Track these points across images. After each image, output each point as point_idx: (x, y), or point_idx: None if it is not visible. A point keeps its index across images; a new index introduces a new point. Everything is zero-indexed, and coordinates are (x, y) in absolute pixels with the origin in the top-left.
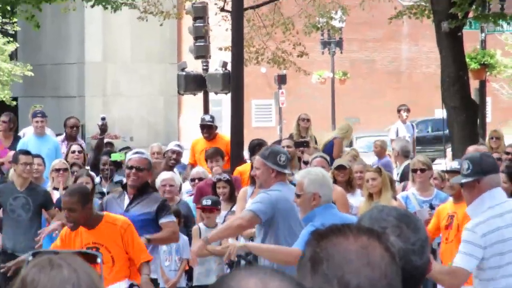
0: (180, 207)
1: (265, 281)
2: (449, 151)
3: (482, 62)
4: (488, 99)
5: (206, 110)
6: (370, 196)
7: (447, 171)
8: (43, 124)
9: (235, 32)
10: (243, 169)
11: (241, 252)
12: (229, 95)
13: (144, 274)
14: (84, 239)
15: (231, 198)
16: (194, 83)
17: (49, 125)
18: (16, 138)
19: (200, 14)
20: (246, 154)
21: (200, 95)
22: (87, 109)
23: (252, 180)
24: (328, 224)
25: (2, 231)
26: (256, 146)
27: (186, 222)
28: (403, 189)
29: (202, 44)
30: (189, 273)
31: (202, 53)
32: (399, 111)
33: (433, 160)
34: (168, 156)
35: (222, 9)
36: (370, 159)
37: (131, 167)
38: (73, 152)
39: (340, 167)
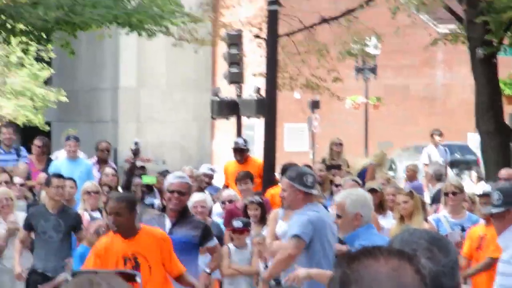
0: (212, 228)
1: None
2: (473, 174)
3: None
4: None
5: (239, 134)
6: (402, 218)
7: (479, 195)
8: (75, 148)
9: (269, 58)
10: (275, 191)
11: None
12: (262, 119)
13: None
14: (122, 249)
15: (262, 220)
16: (228, 108)
17: (82, 149)
18: (49, 162)
19: (235, 41)
20: (278, 176)
21: (233, 119)
22: (120, 134)
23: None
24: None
25: (33, 252)
26: (288, 169)
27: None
28: (435, 211)
29: (236, 70)
30: None
31: (236, 79)
32: (432, 135)
33: None
34: (200, 179)
35: (257, 36)
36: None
37: (172, 191)
38: (107, 175)
39: (372, 190)
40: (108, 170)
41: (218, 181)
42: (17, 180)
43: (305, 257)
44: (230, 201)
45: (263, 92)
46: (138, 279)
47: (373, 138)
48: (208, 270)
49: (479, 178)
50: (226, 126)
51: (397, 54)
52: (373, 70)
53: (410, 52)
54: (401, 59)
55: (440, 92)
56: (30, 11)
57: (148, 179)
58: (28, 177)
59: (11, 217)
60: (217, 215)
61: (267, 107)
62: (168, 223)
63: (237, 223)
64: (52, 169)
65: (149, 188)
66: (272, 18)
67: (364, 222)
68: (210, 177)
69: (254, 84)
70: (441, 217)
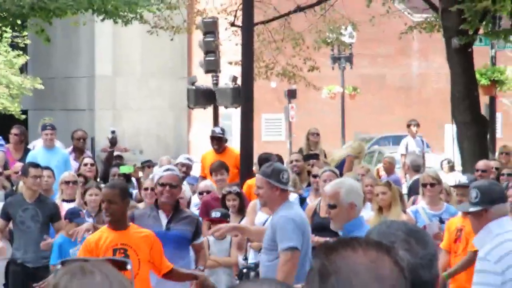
0: None
1: None
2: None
3: (492, 78)
4: (499, 115)
5: (215, 124)
6: (380, 210)
7: (454, 186)
8: (52, 137)
9: (245, 46)
10: (253, 182)
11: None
12: (239, 109)
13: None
14: (111, 241)
15: (241, 211)
16: (204, 97)
17: (58, 138)
18: (26, 151)
19: (210, 29)
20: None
21: (210, 109)
22: (97, 122)
23: None
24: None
25: (12, 242)
26: (264, 160)
27: None
28: (413, 203)
29: (212, 58)
30: None
31: (212, 68)
32: (408, 126)
33: None
34: (178, 169)
35: (233, 24)
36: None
37: (163, 184)
38: (86, 164)
39: None
40: (87, 160)
41: (196, 171)
42: None
43: None
44: (208, 192)
45: (239, 81)
46: (129, 267)
47: (350, 127)
48: (202, 268)
49: (451, 168)
50: (203, 116)
51: (373, 43)
52: (349, 59)
53: (385, 40)
54: (377, 48)
55: (415, 81)
56: None
57: (125, 169)
58: (6, 166)
59: None
60: (195, 206)
61: (243, 96)
62: (163, 218)
63: (215, 213)
64: (29, 158)
65: (127, 178)
66: (247, 6)
67: (358, 212)
68: (188, 167)
69: (230, 73)
70: (419, 209)
